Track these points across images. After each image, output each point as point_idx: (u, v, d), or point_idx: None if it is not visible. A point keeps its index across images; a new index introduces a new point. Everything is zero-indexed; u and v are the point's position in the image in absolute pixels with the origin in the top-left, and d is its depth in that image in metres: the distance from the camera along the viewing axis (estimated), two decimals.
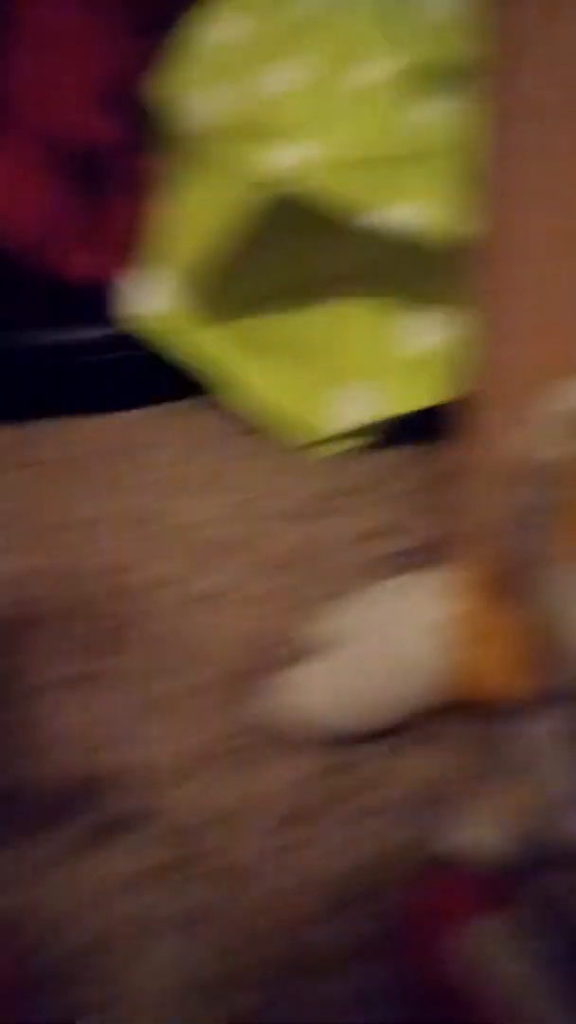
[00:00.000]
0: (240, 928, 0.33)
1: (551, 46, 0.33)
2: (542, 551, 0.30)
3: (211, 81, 0.53)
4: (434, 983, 0.29)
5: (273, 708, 0.39)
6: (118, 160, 0.58)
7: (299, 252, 0.51)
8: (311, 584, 0.47)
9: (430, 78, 0.48)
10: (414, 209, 0.46)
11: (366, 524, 0.51)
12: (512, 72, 0.35)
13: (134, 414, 0.59)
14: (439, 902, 0.30)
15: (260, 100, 0.49)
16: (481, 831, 0.33)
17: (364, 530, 0.50)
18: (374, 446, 0.56)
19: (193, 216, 0.54)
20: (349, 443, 0.56)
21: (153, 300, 0.57)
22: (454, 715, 0.39)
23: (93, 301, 0.56)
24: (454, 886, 0.30)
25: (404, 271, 0.51)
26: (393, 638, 0.38)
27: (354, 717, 0.38)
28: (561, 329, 0.35)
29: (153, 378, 0.59)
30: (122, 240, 0.57)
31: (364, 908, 0.33)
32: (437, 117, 0.48)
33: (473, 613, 0.38)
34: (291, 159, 0.46)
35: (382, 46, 0.48)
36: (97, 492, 0.54)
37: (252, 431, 0.58)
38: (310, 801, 0.37)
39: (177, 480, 0.56)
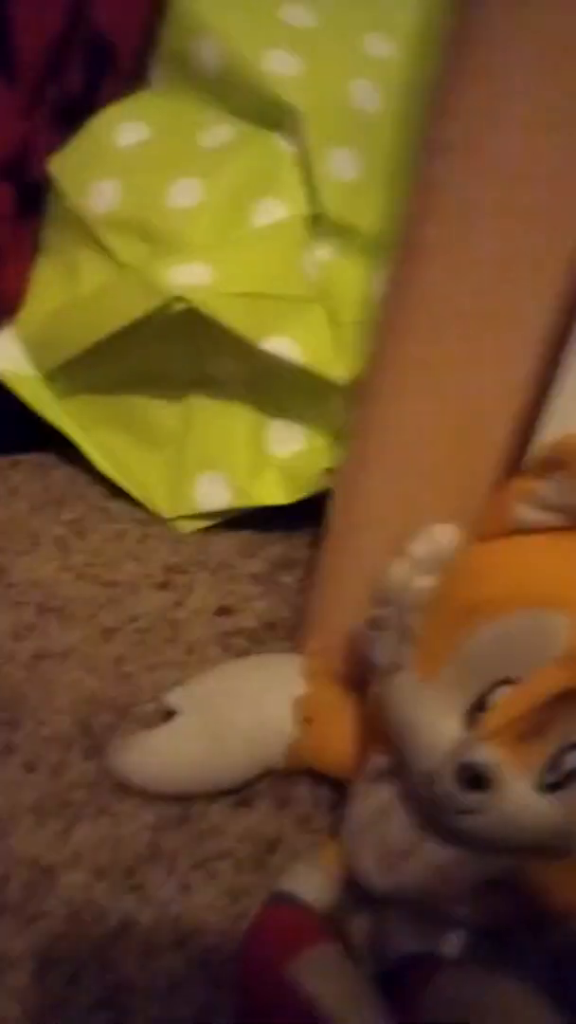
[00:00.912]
0: (94, 956, 0.37)
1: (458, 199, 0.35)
2: (392, 660, 0.37)
3: (110, 174, 0.57)
4: (271, 1007, 0.34)
5: (125, 765, 0.43)
6: (7, 227, 0.61)
7: (177, 352, 0.57)
8: (162, 651, 0.52)
9: (328, 230, 0.52)
10: (290, 343, 0.53)
11: (220, 599, 0.57)
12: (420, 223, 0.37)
13: None
14: (274, 935, 0.35)
15: (163, 209, 0.54)
16: (313, 877, 0.39)
17: (217, 605, 0.56)
18: (238, 523, 0.62)
19: (70, 292, 0.58)
20: (209, 520, 0.62)
21: (14, 356, 0.61)
22: (299, 780, 0.45)
23: None
24: (288, 922, 0.36)
25: (277, 386, 0.57)
26: (249, 705, 0.43)
27: (204, 777, 0.43)
28: (422, 464, 0.42)
29: (12, 426, 0.63)
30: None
31: (209, 939, 0.38)
32: (327, 266, 0.53)
33: (323, 694, 0.45)
34: (189, 278, 0.52)
35: (289, 190, 0.52)
36: None
37: (111, 494, 0.63)
38: (161, 846, 0.41)
39: (28, 535, 0.59)
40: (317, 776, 0.45)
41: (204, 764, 0.43)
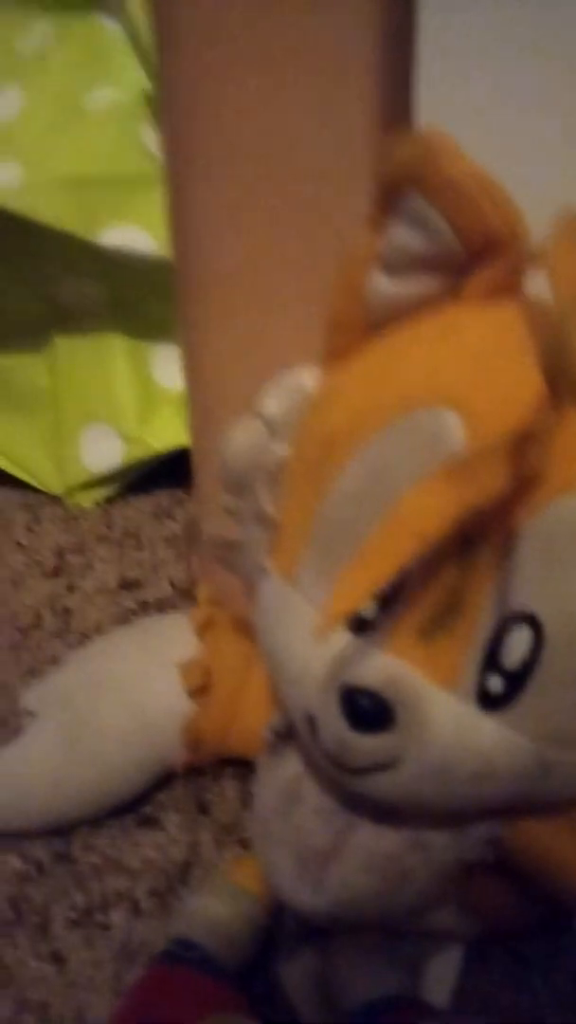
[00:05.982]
0: None
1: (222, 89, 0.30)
2: (255, 564, 0.25)
3: None
4: None
5: None
6: None
7: (16, 281, 0.46)
8: (47, 648, 0.40)
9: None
10: (136, 231, 0.42)
11: (123, 572, 0.45)
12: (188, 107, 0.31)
13: None
14: (142, 1015, 0.23)
15: None
16: (220, 910, 0.27)
17: (121, 580, 0.44)
18: (139, 489, 0.51)
19: None
20: (107, 489, 0.50)
21: None
22: (218, 775, 0.33)
23: None
24: (167, 993, 0.23)
25: (148, 300, 0.46)
26: (121, 688, 0.31)
27: (70, 796, 0.31)
28: (261, 351, 0.31)
29: None
30: None
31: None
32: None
33: (222, 650, 0.33)
34: (5, 176, 0.41)
35: (121, 70, 0.44)
36: None
37: None
38: (30, 900, 0.29)
39: None
40: (240, 765, 0.33)
41: (66, 780, 0.31)
